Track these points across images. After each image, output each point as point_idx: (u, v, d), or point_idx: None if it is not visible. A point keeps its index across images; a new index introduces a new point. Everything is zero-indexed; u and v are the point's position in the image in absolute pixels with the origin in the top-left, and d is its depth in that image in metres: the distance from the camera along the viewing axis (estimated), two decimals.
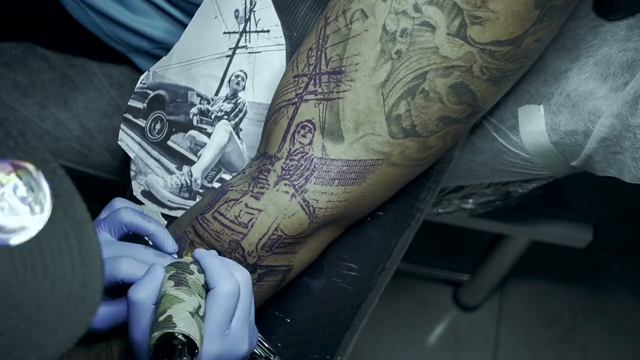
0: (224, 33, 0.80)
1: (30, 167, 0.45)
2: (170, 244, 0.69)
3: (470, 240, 1.63)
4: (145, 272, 0.64)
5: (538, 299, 1.60)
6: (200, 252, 0.65)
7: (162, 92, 0.83)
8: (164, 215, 0.82)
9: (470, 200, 1.13)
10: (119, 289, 0.66)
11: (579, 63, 0.83)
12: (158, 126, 0.83)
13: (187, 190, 0.81)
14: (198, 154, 0.81)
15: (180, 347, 0.58)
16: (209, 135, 0.81)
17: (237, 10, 0.80)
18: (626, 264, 1.64)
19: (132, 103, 0.85)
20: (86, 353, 0.72)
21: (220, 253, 0.70)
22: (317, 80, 0.69)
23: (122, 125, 0.85)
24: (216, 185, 0.80)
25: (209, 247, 0.70)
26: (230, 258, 0.70)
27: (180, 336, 0.58)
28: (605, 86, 0.81)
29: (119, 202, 0.72)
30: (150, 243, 0.70)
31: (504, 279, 1.53)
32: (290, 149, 0.69)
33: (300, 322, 0.80)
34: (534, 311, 1.60)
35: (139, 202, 0.83)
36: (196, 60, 0.82)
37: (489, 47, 0.66)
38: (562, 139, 0.85)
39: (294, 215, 0.69)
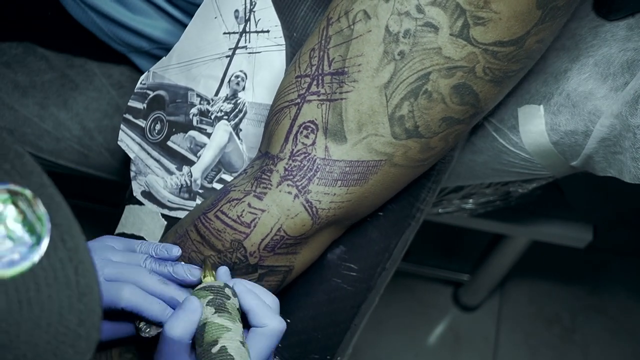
0: (224, 33, 0.80)
1: (27, 193, 0.42)
2: (173, 248, 0.69)
3: (470, 240, 1.63)
4: (150, 302, 0.64)
5: (538, 299, 1.61)
6: (240, 287, 0.65)
7: (162, 92, 0.83)
8: (164, 215, 0.82)
9: (470, 200, 1.13)
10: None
11: (579, 63, 0.83)
12: (158, 126, 0.83)
13: (187, 190, 0.81)
14: (198, 155, 0.81)
15: None
16: (208, 135, 0.81)
17: (237, 11, 0.80)
18: (626, 264, 1.64)
19: (132, 103, 0.85)
20: None
21: (220, 252, 0.70)
22: (320, 81, 0.69)
23: (122, 126, 0.85)
24: (216, 185, 0.80)
25: (210, 246, 0.70)
26: (232, 257, 0.69)
27: None
28: (605, 86, 0.81)
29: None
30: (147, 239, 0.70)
31: (504, 279, 1.53)
32: (293, 149, 0.69)
33: (301, 322, 0.80)
34: (534, 311, 1.60)
35: (140, 203, 0.83)
36: (196, 61, 0.82)
37: (492, 47, 0.66)
38: (562, 139, 0.85)
39: (297, 216, 0.69)
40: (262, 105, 0.79)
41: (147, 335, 0.67)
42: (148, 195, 0.82)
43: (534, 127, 0.86)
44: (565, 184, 1.18)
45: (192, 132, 0.81)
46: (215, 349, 0.59)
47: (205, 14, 0.81)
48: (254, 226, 0.69)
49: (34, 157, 1.06)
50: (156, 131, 0.83)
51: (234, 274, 0.70)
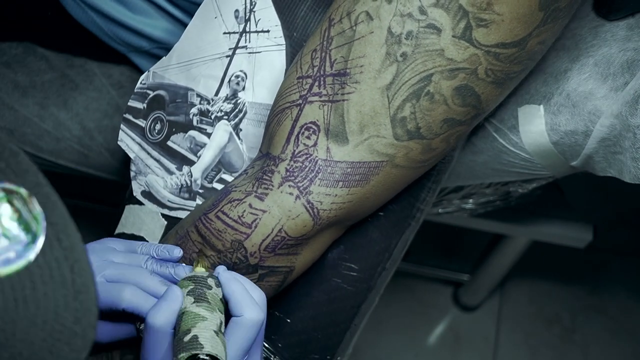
0: (224, 33, 0.80)
1: (22, 191, 0.42)
2: (175, 249, 0.69)
3: (470, 240, 1.63)
4: (150, 302, 0.64)
5: (538, 299, 1.61)
6: (225, 275, 0.65)
7: (162, 92, 0.83)
8: (164, 215, 0.82)
9: (470, 200, 1.13)
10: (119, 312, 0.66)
11: (579, 63, 0.83)
12: (158, 126, 0.83)
13: (187, 190, 0.81)
14: (198, 154, 0.81)
15: None
16: (208, 135, 0.81)
17: (237, 11, 0.80)
18: (626, 264, 1.64)
19: (132, 103, 0.85)
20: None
21: (221, 252, 0.70)
22: (322, 82, 0.69)
23: (122, 126, 0.85)
24: (216, 185, 0.80)
25: (210, 246, 0.70)
26: (232, 258, 0.69)
27: (207, 357, 0.58)
28: (605, 86, 0.81)
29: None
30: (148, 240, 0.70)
31: (504, 279, 1.53)
32: (295, 150, 0.69)
33: (301, 322, 0.80)
34: (534, 311, 1.60)
35: (140, 203, 0.83)
36: (196, 61, 0.82)
37: (494, 49, 0.66)
38: (562, 139, 0.85)
39: (298, 217, 0.69)
40: (262, 105, 0.79)
41: None
42: (148, 195, 0.82)
43: (534, 127, 0.87)
44: (565, 184, 1.18)
45: (192, 132, 0.81)
46: (187, 338, 0.59)
47: (206, 14, 0.81)
48: (255, 227, 0.69)
49: (34, 157, 1.06)
50: (156, 131, 0.83)
51: None
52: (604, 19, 0.82)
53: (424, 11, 0.65)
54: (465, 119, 0.69)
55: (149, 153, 0.83)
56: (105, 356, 0.71)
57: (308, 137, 0.69)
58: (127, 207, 0.84)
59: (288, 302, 0.80)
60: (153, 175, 0.82)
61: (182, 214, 0.81)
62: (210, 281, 0.64)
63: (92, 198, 1.53)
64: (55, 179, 1.54)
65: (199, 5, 0.83)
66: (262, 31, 0.79)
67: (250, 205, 0.69)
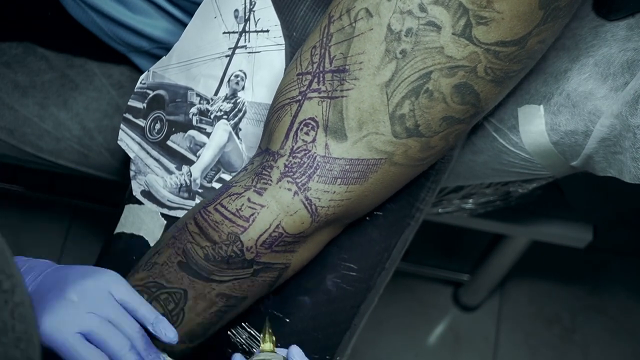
0: (224, 33, 0.80)
1: None
2: (171, 332, 0.67)
3: (470, 240, 1.62)
4: None
5: (538, 299, 1.60)
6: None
7: (161, 92, 0.83)
8: (163, 215, 0.82)
9: (470, 200, 1.13)
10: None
11: (579, 63, 0.83)
12: (158, 126, 0.83)
13: (186, 190, 0.81)
14: (197, 154, 0.81)
15: None
16: (208, 135, 0.81)
17: (236, 10, 0.80)
18: (626, 264, 1.64)
19: (132, 103, 0.85)
20: None
21: (216, 243, 0.69)
22: (321, 79, 0.69)
23: (122, 125, 0.85)
24: (215, 185, 0.80)
25: (206, 237, 0.70)
26: (227, 250, 0.69)
27: None
28: (605, 86, 0.81)
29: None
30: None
31: (504, 279, 1.52)
32: (293, 146, 0.69)
33: (300, 322, 0.80)
34: (534, 311, 1.60)
35: (139, 202, 0.83)
36: (196, 60, 0.82)
37: (494, 47, 0.66)
38: (562, 139, 0.85)
39: (296, 213, 0.69)
40: (261, 105, 0.79)
41: None
42: (148, 194, 0.82)
43: (534, 127, 0.87)
44: (565, 184, 1.18)
45: (191, 132, 0.82)
46: None
47: (205, 14, 0.82)
48: (253, 221, 0.69)
49: (34, 157, 1.06)
50: (156, 131, 0.83)
51: (229, 267, 0.70)
52: (604, 19, 0.82)
53: (424, 8, 0.65)
54: (464, 117, 0.69)
55: (148, 153, 0.83)
56: None
57: (307, 133, 0.69)
58: (126, 206, 0.84)
59: (288, 302, 0.80)
60: (153, 174, 0.82)
61: (181, 214, 0.81)
62: None
63: (92, 198, 1.53)
64: (55, 179, 1.53)
65: (199, 5, 0.83)
66: (262, 31, 0.79)
67: (248, 200, 0.69)
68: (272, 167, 0.70)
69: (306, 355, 0.81)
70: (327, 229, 0.73)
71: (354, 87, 0.67)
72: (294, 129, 0.69)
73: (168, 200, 0.81)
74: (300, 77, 0.70)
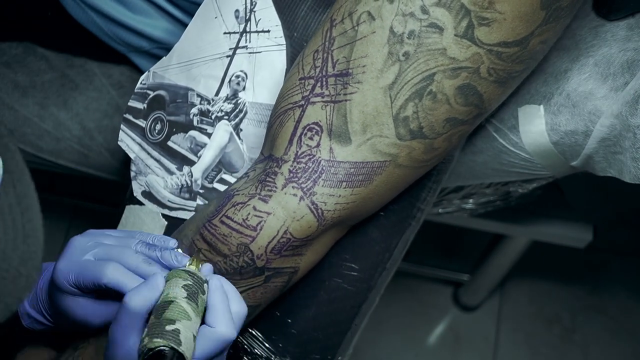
0: (224, 33, 0.80)
1: None
2: (170, 240, 0.69)
3: (470, 240, 1.63)
4: (131, 279, 0.64)
5: (538, 299, 1.60)
6: (214, 283, 0.65)
7: (162, 92, 0.83)
8: (164, 215, 0.82)
9: (471, 200, 1.13)
10: (103, 291, 0.66)
11: (579, 63, 0.83)
12: (158, 126, 0.83)
13: (187, 190, 0.81)
14: (198, 155, 0.81)
15: None
16: (209, 135, 0.81)
17: (237, 11, 0.80)
18: (626, 264, 1.64)
19: (132, 103, 0.85)
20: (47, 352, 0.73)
21: (227, 257, 0.69)
22: (324, 83, 0.69)
23: (122, 126, 0.85)
24: (217, 185, 0.80)
25: (216, 251, 0.70)
26: (239, 262, 0.69)
27: (178, 354, 0.58)
28: (605, 86, 0.81)
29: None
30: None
31: (504, 279, 1.53)
32: (298, 151, 0.69)
33: (301, 322, 0.80)
34: (534, 311, 1.60)
35: (140, 203, 0.83)
36: (196, 61, 0.82)
37: (496, 48, 0.66)
38: (562, 139, 0.85)
39: (303, 218, 0.69)
40: (262, 105, 0.79)
41: None
42: (148, 195, 0.82)
43: (534, 127, 0.87)
44: (565, 184, 1.18)
45: (192, 132, 0.81)
46: (169, 327, 0.58)
47: (206, 14, 0.81)
48: (260, 229, 0.69)
49: (34, 157, 1.06)
50: (156, 131, 0.83)
51: (242, 277, 0.70)
52: (604, 19, 0.82)
53: (426, 10, 0.65)
54: (467, 118, 0.69)
55: (149, 153, 0.83)
56: (71, 355, 0.71)
57: (311, 138, 0.69)
58: (127, 207, 0.84)
59: (289, 302, 0.80)
60: (153, 175, 0.82)
61: (182, 214, 0.81)
62: (205, 287, 0.64)
63: (92, 198, 1.53)
64: (55, 179, 1.53)
65: (199, 5, 0.83)
66: (263, 31, 0.79)
67: (254, 208, 0.69)
68: (277, 173, 0.70)
69: (307, 355, 0.81)
70: (332, 231, 0.73)
71: (357, 91, 0.67)
72: (298, 134, 0.69)
73: (169, 201, 0.81)
74: (303, 81, 0.70)
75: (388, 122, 0.67)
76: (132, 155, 0.84)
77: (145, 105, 0.84)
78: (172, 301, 0.61)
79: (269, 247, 0.69)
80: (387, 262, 0.82)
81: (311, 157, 0.69)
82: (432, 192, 0.83)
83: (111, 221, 0.87)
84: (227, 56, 0.80)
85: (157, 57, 0.95)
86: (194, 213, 0.80)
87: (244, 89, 0.80)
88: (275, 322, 0.81)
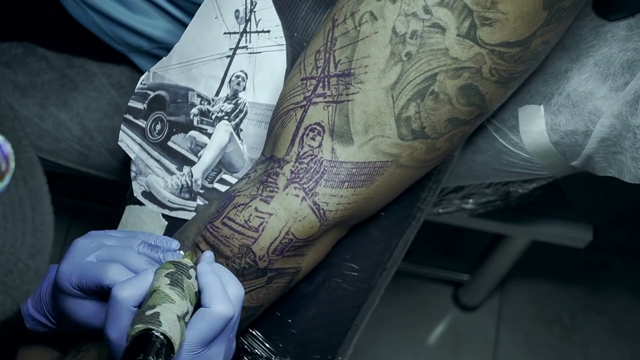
0: (225, 33, 0.80)
1: None
2: (173, 242, 0.68)
3: (470, 240, 1.62)
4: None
5: (538, 299, 1.60)
6: (203, 267, 0.64)
7: (162, 92, 0.83)
8: (164, 216, 0.82)
9: (471, 200, 1.13)
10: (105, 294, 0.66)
11: (579, 63, 0.83)
12: (158, 127, 0.83)
13: (187, 190, 0.81)
14: (198, 155, 0.81)
15: (158, 346, 0.57)
16: (209, 135, 0.81)
17: (237, 11, 0.80)
18: (626, 264, 1.64)
19: (133, 104, 0.85)
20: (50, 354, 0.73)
21: (229, 258, 0.69)
22: (326, 83, 0.69)
23: (122, 126, 0.85)
24: (217, 185, 0.80)
25: (218, 253, 0.70)
26: (241, 263, 0.69)
27: (161, 336, 0.57)
28: (606, 86, 0.81)
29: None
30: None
31: (504, 279, 1.53)
32: (299, 152, 0.69)
33: (302, 322, 0.80)
34: (534, 311, 1.60)
35: (140, 203, 0.83)
36: (196, 61, 0.82)
37: (498, 48, 0.66)
38: (562, 139, 0.85)
39: (305, 219, 0.69)
40: (262, 106, 0.79)
41: None
42: (148, 195, 0.82)
43: (534, 127, 0.87)
44: (565, 184, 1.18)
45: (192, 132, 0.81)
46: (148, 312, 0.58)
47: (206, 14, 0.81)
48: (262, 230, 0.69)
49: None
50: (157, 131, 0.83)
51: (244, 279, 0.70)
52: (604, 19, 0.82)
53: (428, 10, 0.65)
54: (469, 118, 0.69)
55: (149, 153, 0.83)
56: (73, 355, 0.71)
57: (313, 139, 0.69)
58: (127, 207, 0.84)
59: (289, 303, 0.80)
60: (153, 175, 0.82)
61: (182, 214, 0.81)
62: (192, 272, 0.64)
63: (92, 198, 1.53)
64: (55, 179, 1.54)
65: (199, 5, 0.83)
66: (263, 31, 0.79)
67: (256, 209, 0.69)
68: (278, 174, 0.69)
69: (307, 355, 0.81)
70: (334, 231, 0.73)
71: (359, 91, 0.67)
72: (300, 134, 0.69)
73: (169, 201, 0.81)
74: (305, 82, 0.70)
75: (390, 122, 0.67)
76: (132, 156, 0.84)
77: (145, 106, 0.84)
78: (155, 290, 0.61)
79: (271, 248, 0.69)
80: (388, 262, 0.82)
81: (313, 157, 0.69)
82: (432, 192, 0.83)
83: (111, 221, 0.87)
84: (227, 56, 0.80)
85: (157, 57, 0.95)
86: (194, 213, 0.80)
87: (244, 89, 0.80)
88: (275, 322, 0.81)
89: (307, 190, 0.68)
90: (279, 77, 0.78)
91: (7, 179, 0.45)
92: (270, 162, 0.71)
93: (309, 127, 0.69)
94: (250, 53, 0.79)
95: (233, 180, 0.80)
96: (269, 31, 0.79)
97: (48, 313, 0.70)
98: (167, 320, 0.58)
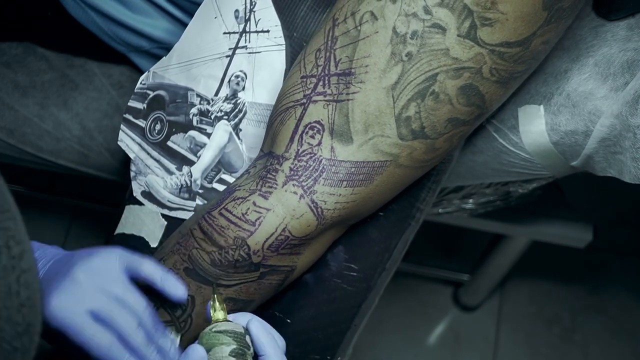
0: (224, 33, 0.80)
1: None
2: (179, 289, 0.67)
3: (470, 240, 1.62)
4: (124, 357, 0.62)
5: (538, 299, 1.60)
6: (255, 327, 0.64)
7: (162, 92, 0.83)
8: (164, 215, 0.82)
9: (471, 200, 1.13)
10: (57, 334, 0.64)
11: (579, 63, 0.83)
12: (158, 127, 0.83)
13: (186, 190, 0.81)
14: (198, 155, 0.81)
15: None
16: (208, 135, 0.81)
17: (237, 11, 0.80)
18: (626, 264, 1.64)
19: (132, 103, 0.85)
20: None
21: (222, 248, 0.69)
22: (326, 82, 0.69)
23: (122, 126, 0.85)
24: (216, 185, 0.80)
25: (211, 241, 0.70)
26: (234, 255, 0.69)
27: None
28: (606, 86, 0.81)
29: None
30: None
31: (504, 279, 1.52)
32: (299, 149, 0.69)
33: (301, 322, 0.80)
34: (534, 311, 1.60)
35: (140, 203, 0.83)
36: (196, 61, 0.82)
37: (499, 48, 0.66)
38: (562, 139, 0.85)
39: (302, 217, 0.69)
40: (262, 105, 0.79)
41: None
42: (148, 195, 0.82)
43: (534, 127, 0.87)
44: (565, 184, 1.18)
45: (192, 132, 0.81)
46: None
47: (206, 14, 0.81)
48: (259, 225, 0.69)
49: (34, 157, 1.06)
50: (156, 131, 0.83)
51: (236, 271, 0.70)
52: (604, 19, 0.82)
53: (428, 11, 0.65)
54: (469, 118, 0.69)
55: (149, 153, 0.83)
56: None
57: (312, 137, 0.69)
58: (127, 207, 0.84)
59: (288, 303, 0.80)
60: (153, 175, 0.82)
61: (182, 214, 0.81)
62: (248, 339, 0.63)
63: (92, 198, 1.53)
64: (55, 179, 1.53)
65: (199, 5, 0.83)
66: (262, 31, 0.79)
67: (254, 204, 0.69)
68: (277, 170, 0.70)
69: (307, 355, 0.81)
70: (331, 230, 0.73)
71: (360, 91, 0.67)
72: (299, 132, 0.69)
73: (168, 201, 0.81)
74: (305, 80, 0.70)
75: (390, 122, 0.67)
76: (131, 155, 0.84)
77: (145, 105, 0.84)
78: None
79: (266, 244, 0.69)
80: (387, 262, 0.82)
81: (312, 155, 0.69)
82: (432, 192, 0.83)
83: (111, 221, 0.87)
84: (227, 56, 0.80)
85: (157, 57, 0.95)
86: (193, 213, 0.80)
87: (243, 89, 0.80)
88: (275, 322, 0.81)
89: (305, 188, 0.68)
90: (278, 77, 0.78)
91: None
92: (269, 158, 0.71)
93: (309, 125, 0.69)
94: (249, 53, 0.79)
95: (232, 180, 0.80)
96: (268, 31, 0.79)
97: None
98: None
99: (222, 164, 0.80)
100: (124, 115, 0.85)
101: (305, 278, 0.80)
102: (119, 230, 0.84)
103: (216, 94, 0.81)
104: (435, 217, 1.19)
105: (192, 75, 0.82)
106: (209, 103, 0.81)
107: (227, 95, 0.80)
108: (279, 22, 0.78)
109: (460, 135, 0.71)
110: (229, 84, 0.80)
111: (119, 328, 0.63)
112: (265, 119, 0.78)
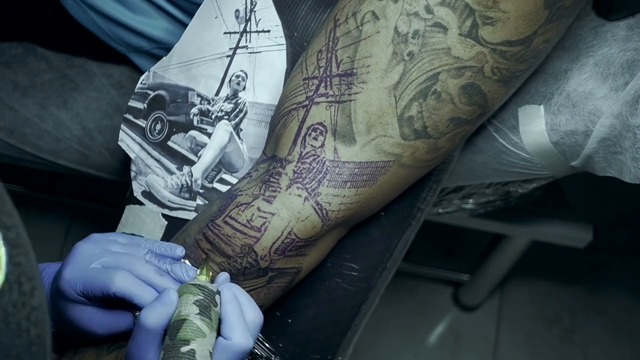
0: (225, 33, 0.80)
1: None
2: (177, 248, 0.68)
3: (470, 240, 1.62)
4: (141, 288, 0.63)
5: (538, 299, 1.60)
6: (227, 294, 0.63)
7: (162, 92, 0.83)
8: (164, 215, 0.82)
9: (471, 200, 1.13)
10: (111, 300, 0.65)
11: (579, 63, 0.83)
12: (158, 126, 0.83)
13: (187, 190, 0.81)
14: (198, 155, 0.81)
15: None
16: (209, 135, 0.81)
17: (237, 10, 0.80)
18: (626, 264, 1.64)
19: (133, 103, 0.85)
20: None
21: (230, 257, 0.69)
22: (328, 83, 0.69)
23: (122, 126, 0.85)
24: (216, 185, 0.80)
25: (219, 252, 0.70)
26: (242, 262, 0.69)
27: None
28: (606, 86, 0.81)
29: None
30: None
31: (504, 279, 1.53)
32: (302, 152, 0.69)
33: (301, 322, 0.80)
34: (534, 311, 1.60)
35: (140, 203, 0.83)
36: (196, 61, 0.82)
37: (500, 47, 0.66)
38: (562, 139, 0.85)
39: (308, 219, 0.69)
40: (262, 105, 0.79)
41: None
42: (148, 195, 0.82)
43: (534, 127, 0.87)
44: (565, 184, 1.18)
45: (192, 132, 0.81)
46: (184, 349, 0.58)
47: (206, 14, 0.81)
48: (265, 230, 0.68)
49: (34, 157, 1.06)
50: (156, 131, 0.83)
51: (245, 278, 0.70)
52: (604, 19, 0.82)
53: (430, 10, 0.65)
54: (471, 117, 0.70)
55: (149, 153, 0.83)
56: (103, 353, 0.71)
57: (315, 138, 0.69)
58: (127, 207, 0.84)
59: (289, 302, 0.80)
60: (153, 175, 0.82)
61: (182, 214, 0.81)
62: (218, 298, 0.63)
63: (92, 198, 1.53)
64: (55, 179, 1.53)
65: (199, 5, 0.83)
66: (263, 31, 0.79)
67: (258, 209, 0.69)
68: (281, 173, 0.69)
69: (307, 355, 0.81)
70: (335, 230, 0.73)
71: (362, 91, 0.67)
72: (302, 134, 0.69)
73: (169, 201, 0.81)
74: (307, 81, 0.70)
75: (392, 122, 0.67)
76: (132, 155, 0.84)
77: (145, 105, 0.84)
78: (185, 319, 0.60)
79: (273, 248, 0.69)
80: (388, 262, 0.82)
81: (315, 157, 0.69)
82: (433, 192, 0.83)
83: (111, 221, 0.87)
84: (227, 56, 0.80)
85: (157, 57, 0.95)
86: (194, 213, 0.80)
87: (244, 88, 0.80)
88: (275, 322, 0.81)
89: (309, 190, 0.68)
90: (279, 77, 0.78)
91: None
92: (272, 162, 0.71)
93: (312, 127, 0.69)
94: (250, 53, 0.79)
95: (233, 180, 0.80)
96: (269, 31, 0.79)
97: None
98: (202, 358, 0.58)
99: (222, 163, 0.80)
100: (125, 115, 0.85)
101: (305, 278, 0.80)
102: (119, 230, 0.84)
103: (217, 94, 0.81)
104: (436, 217, 1.19)
105: (192, 75, 0.82)
106: (209, 103, 0.81)
107: (227, 95, 0.80)
108: (279, 22, 0.78)
109: (462, 134, 0.71)
110: (230, 84, 0.80)
111: (128, 267, 0.64)
112: (266, 119, 0.78)
